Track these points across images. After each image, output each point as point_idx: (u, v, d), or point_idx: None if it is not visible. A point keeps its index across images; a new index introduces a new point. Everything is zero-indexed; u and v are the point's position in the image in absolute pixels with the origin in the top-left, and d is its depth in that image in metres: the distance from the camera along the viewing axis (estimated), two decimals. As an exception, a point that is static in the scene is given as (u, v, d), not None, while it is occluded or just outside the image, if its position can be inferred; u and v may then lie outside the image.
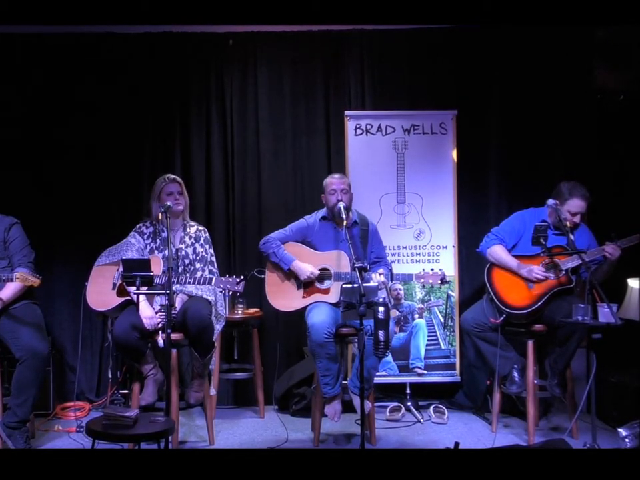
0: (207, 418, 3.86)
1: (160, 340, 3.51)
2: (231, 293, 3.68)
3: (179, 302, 3.66)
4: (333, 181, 3.87)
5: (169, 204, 3.63)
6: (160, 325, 3.55)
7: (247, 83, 4.84)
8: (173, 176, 3.89)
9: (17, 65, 4.68)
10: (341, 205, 3.76)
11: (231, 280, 3.52)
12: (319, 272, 3.79)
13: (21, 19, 2.99)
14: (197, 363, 3.71)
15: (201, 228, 3.97)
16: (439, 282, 3.72)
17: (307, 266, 3.80)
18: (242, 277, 3.53)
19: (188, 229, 3.91)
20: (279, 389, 4.52)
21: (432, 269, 3.75)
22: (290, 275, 3.86)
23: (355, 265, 3.34)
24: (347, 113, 4.62)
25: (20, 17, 2.95)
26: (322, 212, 3.97)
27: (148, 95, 4.77)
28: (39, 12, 2.94)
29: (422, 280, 3.74)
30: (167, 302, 3.21)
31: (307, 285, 3.82)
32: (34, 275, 3.56)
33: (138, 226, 3.91)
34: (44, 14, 2.96)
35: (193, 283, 3.63)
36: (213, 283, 3.57)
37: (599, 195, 4.01)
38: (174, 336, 3.44)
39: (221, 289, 3.70)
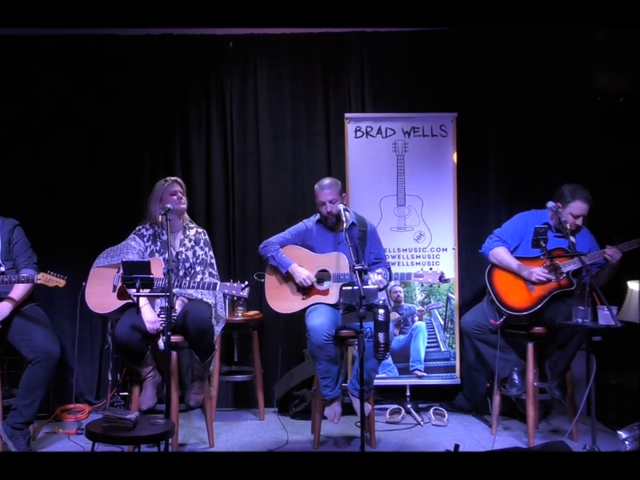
0: (207, 420, 3.86)
1: (160, 342, 3.52)
2: (235, 298, 3.66)
3: (179, 304, 3.67)
4: (320, 192, 3.84)
5: (169, 206, 3.62)
6: (161, 328, 3.55)
7: (247, 85, 4.84)
8: (174, 177, 3.91)
9: (19, 66, 4.69)
10: (341, 207, 3.76)
11: (235, 285, 3.51)
12: (315, 278, 3.78)
13: (24, 22, 2.99)
14: (197, 365, 3.71)
15: (200, 230, 3.97)
16: (438, 280, 3.69)
17: (303, 270, 3.79)
18: (247, 283, 3.52)
19: (187, 231, 3.91)
20: (279, 391, 4.52)
21: (430, 268, 3.74)
22: (289, 277, 3.85)
23: (355, 268, 3.32)
24: (347, 115, 4.62)
25: (22, 19, 2.95)
26: (318, 215, 3.97)
27: (148, 96, 4.77)
28: (40, 14, 2.95)
29: (420, 279, 3.71)
30: (167, 304, 3.21)
31: (306, 287, 3.82)
32: (58, 275, 3.53)
33: (137, 228, 3.91)
34: (45, 16, 2.96)
35: (197, 288, 3.61)
36: (217, 289, 3.57)
37: (599, 197, 4.00)
38: (174, 338, 3.44)
39: (226, 294, 3.70)
